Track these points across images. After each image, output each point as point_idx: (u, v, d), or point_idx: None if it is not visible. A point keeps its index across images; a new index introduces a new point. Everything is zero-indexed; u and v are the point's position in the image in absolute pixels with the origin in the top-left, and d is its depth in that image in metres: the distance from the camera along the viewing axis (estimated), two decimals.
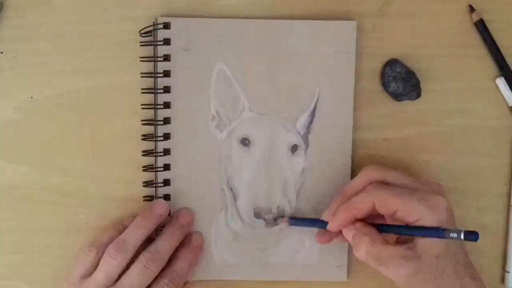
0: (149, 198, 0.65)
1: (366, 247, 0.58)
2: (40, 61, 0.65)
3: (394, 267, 0.57)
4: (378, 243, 0.58)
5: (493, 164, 0.68)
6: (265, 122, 0.65)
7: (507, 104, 0.67)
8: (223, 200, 0.65)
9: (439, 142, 0.68)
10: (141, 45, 0.64)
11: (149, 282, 0.61)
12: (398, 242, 0.60)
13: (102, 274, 0.60)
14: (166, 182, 0.64)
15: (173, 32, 0.63)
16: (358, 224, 0.60)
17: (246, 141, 0.65)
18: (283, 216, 0.65)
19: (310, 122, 0.65)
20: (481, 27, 0.66)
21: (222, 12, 0.65)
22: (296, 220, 0.65)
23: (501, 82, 0.67)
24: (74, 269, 0.62)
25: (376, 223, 0.60)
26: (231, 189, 0.65)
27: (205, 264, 0.65)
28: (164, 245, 0.62)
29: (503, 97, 0.67)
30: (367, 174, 0.61)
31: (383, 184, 0.60)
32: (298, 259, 0.66)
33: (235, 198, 0.65)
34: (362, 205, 0.59)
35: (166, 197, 0.64)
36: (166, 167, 0.64)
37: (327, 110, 0.65)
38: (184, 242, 0.64)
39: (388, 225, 0.60)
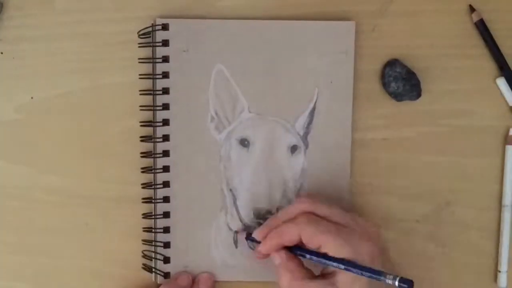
0: (148, 200, 0.65)
1: (287, 281, 0.59)
2: (40, 61, 0.65)
3: None
4: (299, 278, 0.59)
5: (493, 164, 0.68)
6: (264, 123, 0.65)
7: (507, 104, 0.67)
8: (223, 201, 0.65)
9: (439, 142, 0.67)
10: (139, 47, 0.64)
11: None
12: (323, 273, 0.60)
13: None
14: (166, 184, 0.64)
15: (172, 33, 0.63)
16: (283, 255, 0.60)
17: (246, 142, 0.65)
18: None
19: (310, 122, 0.65)
20: (482, 27, 0.66)
21: (221, 13, 0.65)
22: (251, 238, 0.64)
23: (501, 82, 0.67)
24: None
25: (306, 249, 0.60)
26: (231, 190, 0.65)
27: (205, 266, 0.66)
28: None
29: (503, 97, 0.67)
30: (300, 203, 0.61)
31: (314, 216, 0.59)
32: None
33: (234, 199, 0.65)
34: (289, 235, 0.59)
35: (166, 199, 0.64)
36: (165, 168, 0.64)
37: (326, 110, 0.65)
38: None
39: (318, 254, 0.58)
